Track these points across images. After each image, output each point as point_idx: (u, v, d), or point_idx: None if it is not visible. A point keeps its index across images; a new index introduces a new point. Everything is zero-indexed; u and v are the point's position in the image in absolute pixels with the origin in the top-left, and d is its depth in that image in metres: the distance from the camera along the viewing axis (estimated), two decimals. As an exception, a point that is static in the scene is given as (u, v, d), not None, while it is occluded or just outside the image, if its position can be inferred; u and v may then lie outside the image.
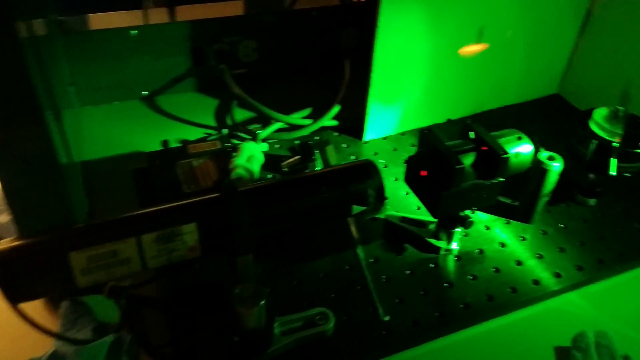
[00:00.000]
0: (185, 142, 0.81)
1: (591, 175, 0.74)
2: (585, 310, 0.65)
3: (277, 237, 0.63)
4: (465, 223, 0.66)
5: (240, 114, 0.91)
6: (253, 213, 0.51)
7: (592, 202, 0.77)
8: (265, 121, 0.87)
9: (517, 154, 0.63)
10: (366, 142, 0.88)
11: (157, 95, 0.96)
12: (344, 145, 0.86)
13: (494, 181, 0.61)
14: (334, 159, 0.80)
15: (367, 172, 0.57)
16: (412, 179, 0.65)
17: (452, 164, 0.57)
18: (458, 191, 0.60)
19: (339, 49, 1.02)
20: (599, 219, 0.75)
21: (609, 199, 0.77)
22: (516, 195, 0.66)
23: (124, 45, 0.89)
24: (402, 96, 0.86)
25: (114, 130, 0.86)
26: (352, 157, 0.84)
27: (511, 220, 0.74)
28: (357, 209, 0.56)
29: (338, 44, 1.03)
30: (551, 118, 0.95)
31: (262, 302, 0.49)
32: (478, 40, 0.86)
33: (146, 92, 0.95)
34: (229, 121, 0.90)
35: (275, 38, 0.99)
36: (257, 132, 0.83)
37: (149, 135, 0.84)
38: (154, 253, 0.47)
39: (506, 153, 0.59)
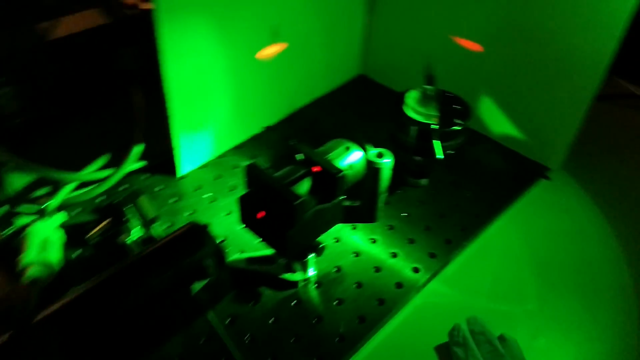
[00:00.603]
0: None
1: (417, 158, 0.73)
2: (448, 297, 0.64)
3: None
4: (317, 250, 0.60)
5: (19, 182, 0.73)
6: (65, 341, 0.39)
7: (424, 182, 0.77)
8: (55, 184, 0.71)
9: (350, 166, 0.59)
10: (184, 177, 0.77)
11: None
12: (159, 187, 0.75)
13: (336, 201, 0.56)
14: (150, 210, 0.68)
15: (196, 239, 0.48)
16: (249, 220, 0.57)
17: (289, 201, 0.50)
18: (303, 225, 0.53)
19: (124, 74, 0.88)
20: (435, 198, 0.75)
21: (438, 174, 0.78)
22: (355, 195, 0.62)
23: None
24: (211, 116, 0.76)
25: None
26: (172, 200, 0.73)
27: (357, 225, 0.71)
28: (197, 285, 0.47)
29: (121, 69, 0.89)
30: (362, 101, 0.94)
31: None
32: (275, 41, 0.79)
33: None
34: (3, 197, 0.72)
35: (38, 77, 0.81)
36: (46, 204, 0.66)
37: None
38: None
39: (340, 171, 0.54)
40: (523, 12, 0.73)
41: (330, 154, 0.59)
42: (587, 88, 0.71)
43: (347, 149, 0.60)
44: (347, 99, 0.94)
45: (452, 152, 0.70)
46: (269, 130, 0.86)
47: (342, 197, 0.56)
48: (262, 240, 0.56)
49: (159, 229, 0.67)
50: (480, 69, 0.81)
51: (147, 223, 0.67)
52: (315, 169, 0.55)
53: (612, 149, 0.87)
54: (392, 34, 0.92)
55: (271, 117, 0.87)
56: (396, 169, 0.62)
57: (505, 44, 0.76)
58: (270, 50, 0.80)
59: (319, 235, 0.58)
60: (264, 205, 0.53)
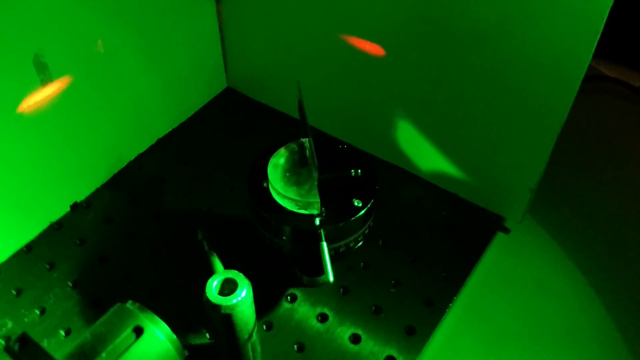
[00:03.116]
0: None
1: (307, 279, 0.45)
2: None
3: None
4: None
5: None
6: None
7: (324, 279, 0.49)
8: None
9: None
10: None
11: None
12: None
13: None
14: None
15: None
16: None
17: None
18: None
19: None
20: (354, 295, 0.48)
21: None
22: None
23: None
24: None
25: None
26: None
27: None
28: None
29: None
30: (226, 132, 0.63)
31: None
32: (46, 78, 0.47)
33: None
34: None
35: None
36: None
37: None
38: None
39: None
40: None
41: (108, 347, 0.29)
42: (556, 108, 0.44)
43: (139, 332, 0.30)
44: (206, 131, 0.64)
45: (360, 243, 0.42)
46: (75, 208, 0.55)
47: None
48: None
49: None
50: (393, 83, 0.52)
51: None
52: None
53: (585, 157, 0.61)
54: (249, 34, 0.61)
55: (84, 189, 0.56)
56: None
57: (424, 46, 0.47)
58: (44, 94, 0.48)
59: None
60: None
